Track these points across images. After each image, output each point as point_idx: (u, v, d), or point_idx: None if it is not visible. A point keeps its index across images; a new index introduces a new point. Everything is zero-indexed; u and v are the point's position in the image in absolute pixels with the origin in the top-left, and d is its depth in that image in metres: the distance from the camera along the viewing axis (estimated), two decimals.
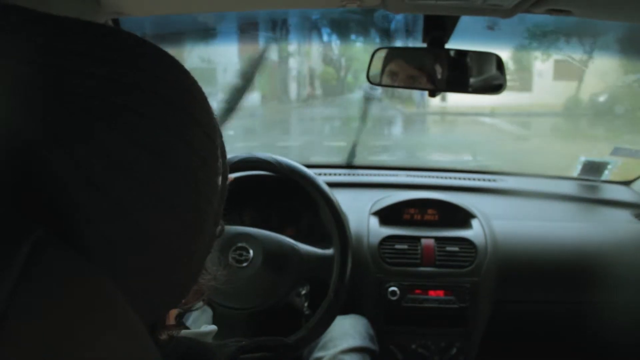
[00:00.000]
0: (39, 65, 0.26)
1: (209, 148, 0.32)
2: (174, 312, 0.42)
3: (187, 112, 0.30)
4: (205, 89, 0.35)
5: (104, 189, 0.26)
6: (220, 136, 0.38)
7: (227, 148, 0.39)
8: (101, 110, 0.26)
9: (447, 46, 0.95)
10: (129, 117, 0.27)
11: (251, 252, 0.96)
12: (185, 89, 0.31)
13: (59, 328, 0.22)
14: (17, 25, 0.27)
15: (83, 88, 0.26)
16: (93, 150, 0.26)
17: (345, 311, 1.12)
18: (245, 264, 0.96)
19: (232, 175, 1.06)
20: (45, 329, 0.21)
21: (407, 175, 1.54)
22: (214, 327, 0.52)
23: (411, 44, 1.11)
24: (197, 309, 0.42)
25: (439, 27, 0.93)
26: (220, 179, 0.35)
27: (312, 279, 1.00)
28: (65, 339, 0.22)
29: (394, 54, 1.03)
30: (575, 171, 1.59)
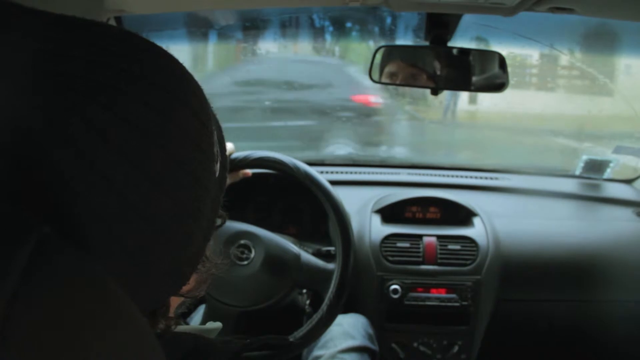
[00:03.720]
0: (33, 58, 0.26)
1: (200, 132, 0.32)
2: (176, 301, 0.41)
3: (173, 94, 0.30)
4: None
5: (103, 171, 0.27)
6: (218, 126, 0.38)
7: None
8: (89, 89, 0.27)
9: (449, 44, 0.95)
10: (112, 94, 0.27)
11: (253, 251, 0.96)
12: (171, 73, 0.32)
13: (63, 328, 0.22)
14: (13, 23, 0.27)
15: (74, 70, 0.27)
16: (89, 131, 0.26)
17: (345, 309, 1.12)
18: (245, 262, 0.95)
19: (249, 171, 1.05)
20: (48, 329, 0.21)
21: (409, 174, 1.54)
22: (218, 324, 0.52)
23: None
24: (197, 296, 0.42)
25: (441, 25, 0.93)
26: (217, 166, 0.36)
27: (309, 288, 0.99)
28: (69, 340, 0.22)
29: (396, 51, 1.03)
30: (578, 169, 1.58)
